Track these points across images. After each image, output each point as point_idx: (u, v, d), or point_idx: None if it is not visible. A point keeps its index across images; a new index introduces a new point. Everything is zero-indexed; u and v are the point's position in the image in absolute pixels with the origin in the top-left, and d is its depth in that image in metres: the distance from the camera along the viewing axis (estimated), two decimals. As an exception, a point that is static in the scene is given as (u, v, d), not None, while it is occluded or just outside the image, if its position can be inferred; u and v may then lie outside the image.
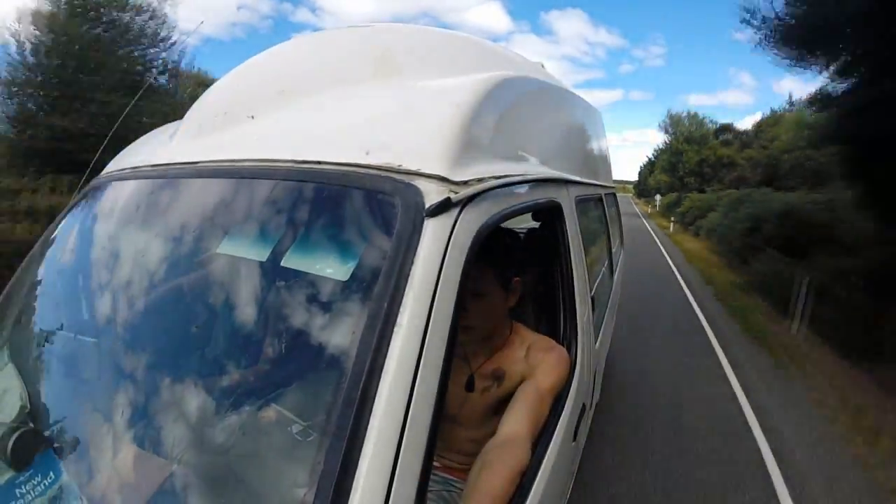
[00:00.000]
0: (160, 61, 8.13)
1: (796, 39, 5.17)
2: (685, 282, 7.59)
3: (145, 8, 7.70)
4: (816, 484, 2.50)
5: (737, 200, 10.50)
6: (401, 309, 0.54)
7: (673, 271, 8.52)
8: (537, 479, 0.83)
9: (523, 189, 0.87)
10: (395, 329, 0.53)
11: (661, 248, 11.56)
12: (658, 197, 25.29)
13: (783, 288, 5.41)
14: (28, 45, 6.70)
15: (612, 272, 2.46)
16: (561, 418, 0.97)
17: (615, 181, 3.71)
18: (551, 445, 0.91)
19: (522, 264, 1.01)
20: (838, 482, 2.53)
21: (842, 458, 2.78)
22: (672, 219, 17.62)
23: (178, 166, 0.88)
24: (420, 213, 0.59)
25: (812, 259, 5.59)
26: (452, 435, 1.00)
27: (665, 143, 27.82)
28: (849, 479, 2.57)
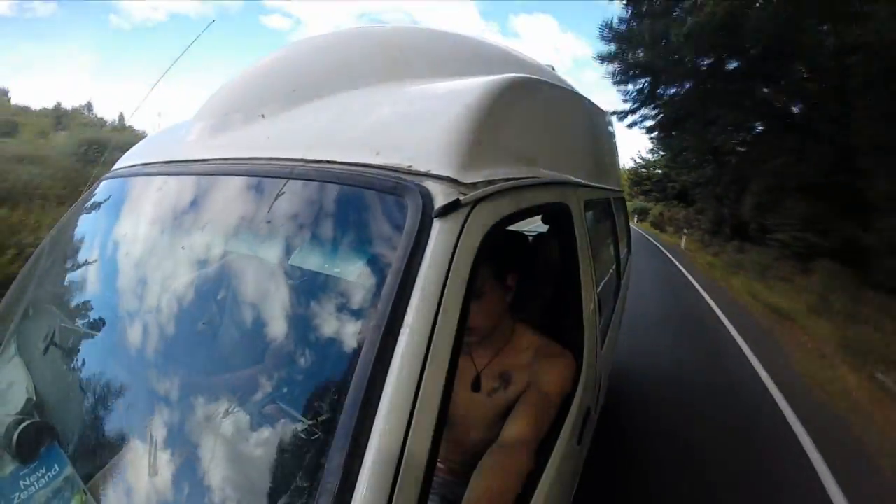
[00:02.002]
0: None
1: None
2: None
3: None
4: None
5: (634, 205, 32.66)
6: (408, 309, 0.53)
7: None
8: (541, 482, 0.82)
9: (532, 191, 0.86)
10: (402, 329, 0.52)
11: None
12: (618, 204, 45.68)
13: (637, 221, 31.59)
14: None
15: (619, 276, 2.43)
16: (566, 422, 0.96)
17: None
18: (556, 449, 0.90)
19: (519, 261, 1.00)
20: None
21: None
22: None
23: (188, 163, 0.88)
24: (429, 214, 0.59)
25: (642, 217, 33.11)
26: (457, 437, 0.99)
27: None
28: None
